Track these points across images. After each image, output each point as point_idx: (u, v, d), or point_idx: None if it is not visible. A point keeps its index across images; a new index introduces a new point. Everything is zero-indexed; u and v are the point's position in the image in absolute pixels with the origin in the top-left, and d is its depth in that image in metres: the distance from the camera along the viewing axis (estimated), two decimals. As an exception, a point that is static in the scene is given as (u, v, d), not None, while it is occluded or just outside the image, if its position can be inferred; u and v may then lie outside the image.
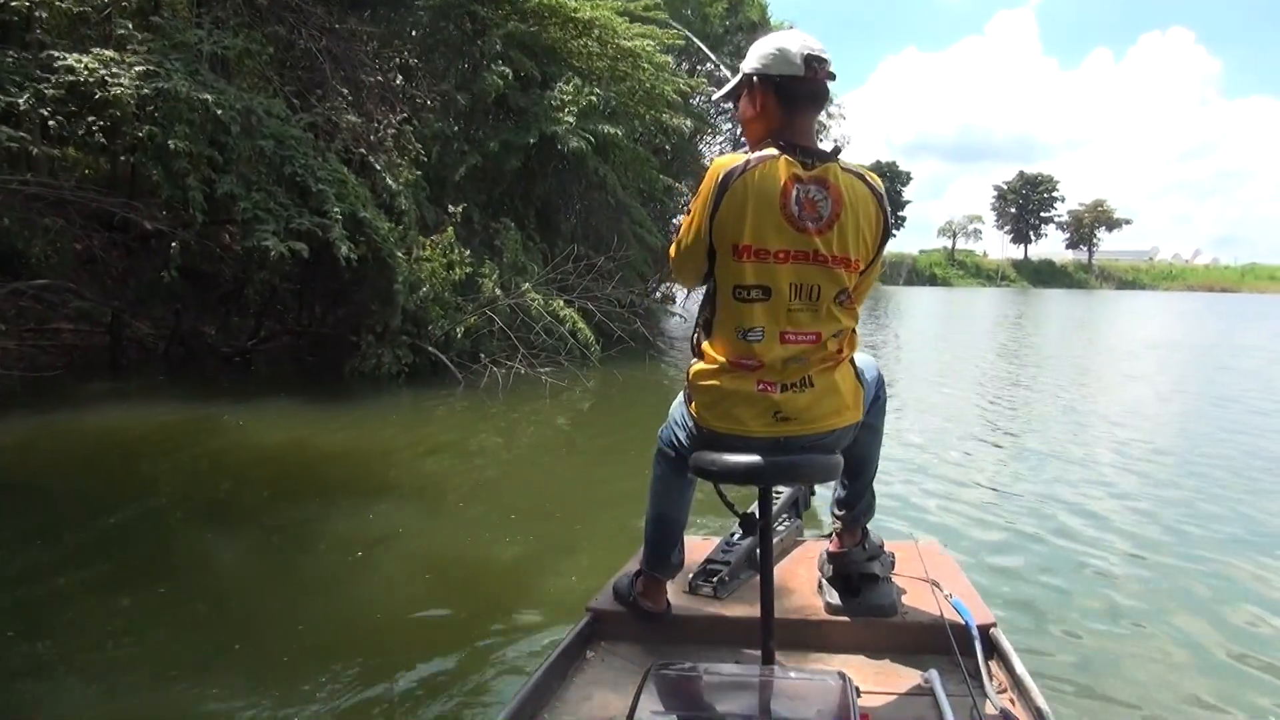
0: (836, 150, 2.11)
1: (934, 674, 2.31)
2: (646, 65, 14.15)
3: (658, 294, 20.56)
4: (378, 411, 9.31)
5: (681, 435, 2.37)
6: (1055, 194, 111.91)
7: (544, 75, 13.48)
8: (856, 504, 2.67)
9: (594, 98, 13.11)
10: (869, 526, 2.76)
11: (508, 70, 12.48)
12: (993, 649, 2.46)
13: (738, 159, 2.06)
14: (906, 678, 2.37)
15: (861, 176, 2.10)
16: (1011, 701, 2.24)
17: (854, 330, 2.21)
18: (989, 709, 2.17)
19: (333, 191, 9.74)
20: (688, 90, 15.92)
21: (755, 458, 2.09)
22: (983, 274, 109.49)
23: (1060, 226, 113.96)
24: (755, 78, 2.14)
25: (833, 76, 2.12)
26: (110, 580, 4.34)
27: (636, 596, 2.61)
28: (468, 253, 11.64)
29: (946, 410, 10.17)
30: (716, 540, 3.10)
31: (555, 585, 4.35)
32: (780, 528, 3.23)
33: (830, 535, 2.81)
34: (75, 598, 4.09)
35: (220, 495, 5.99)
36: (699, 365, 2.22)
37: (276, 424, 8.28)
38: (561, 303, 11.84)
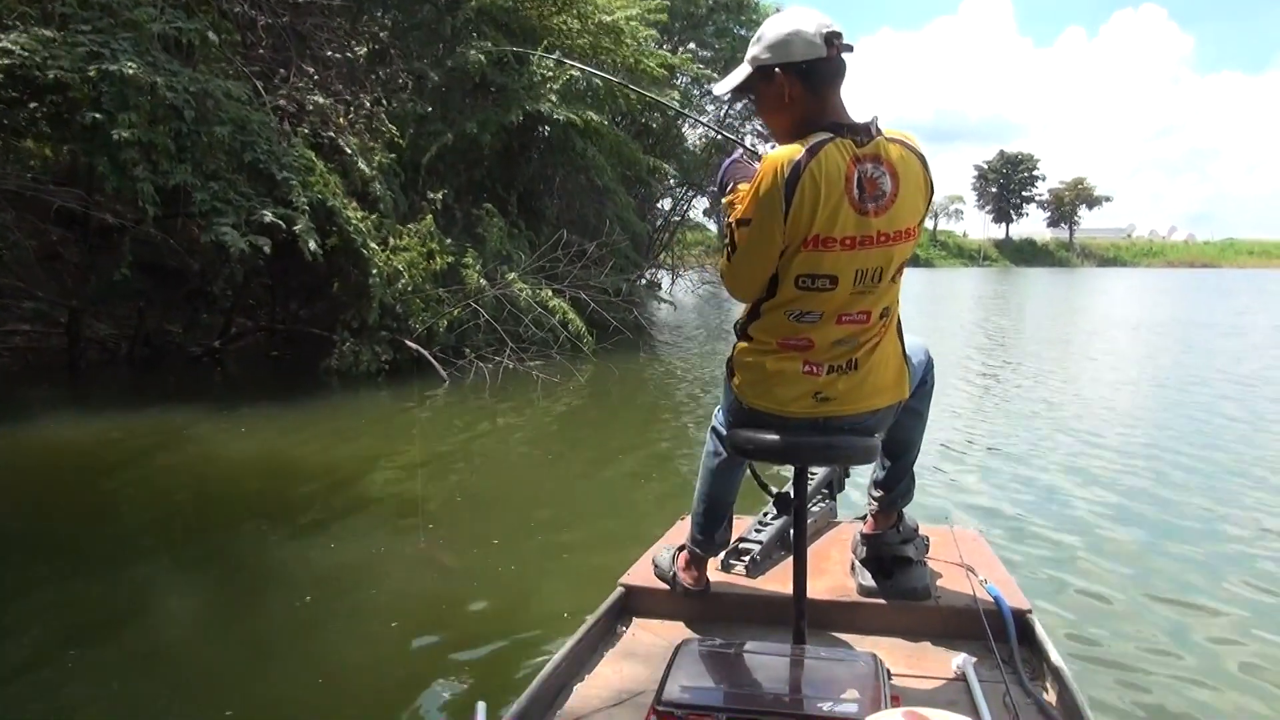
0: (874, 120, 2.02)
1: (967, 659, 2.26)
2: (629, 40, 13.45)
3: (644, 280, 19.79)
4: (355, 414, 8.68)
5: (725, 412, 2.35)
6: (1036, 173, 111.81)
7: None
8: (895, 487, 2.63)
9: (575, 72, 12.40)
10: (904, 510, 2.71)
11: (489, 45, 11.72)
12: (1028, 636, 2.41)
13: (794, 150, 1.93)
14: (939, 662, 2.34)
15: (904, 142, 2.02)
16: (1046, 689, 2.21)
17: (897, 303, 2.16)
18: (1023, 696, 2.13)
19: (298, 179, 9.08)
20: (673, 66, 15.23)
21: (792, 437, 2.09)
22: (965, 254, 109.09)
23: (1041, 205, 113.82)
24: (777, 68, 2.03)
25: (850, 48, 2.03)
26: (15, 630, 3.65)
27: (677, 572, 2.62)
28: (448, 241, 10.97)
29: (966, 393, 9.67)
30: (749, 519, 3.07)
31: (554, 603, 3.95)
32: (814, 508, 3.20)
33: (864, 517, 2.76)
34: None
35: (170, 522, 5.29)
36: (744, 344, 2.18)
37: (243, 434, 7.61)
38: (550, 292, 11.16)
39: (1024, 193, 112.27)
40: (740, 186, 2.08)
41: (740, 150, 2.24)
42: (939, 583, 2.65)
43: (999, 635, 2.35)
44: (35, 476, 6.35)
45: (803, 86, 2.01)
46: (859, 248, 1.97)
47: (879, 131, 1.99)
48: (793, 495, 2.26)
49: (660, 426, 8.32)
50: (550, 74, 12.26)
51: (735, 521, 2.86)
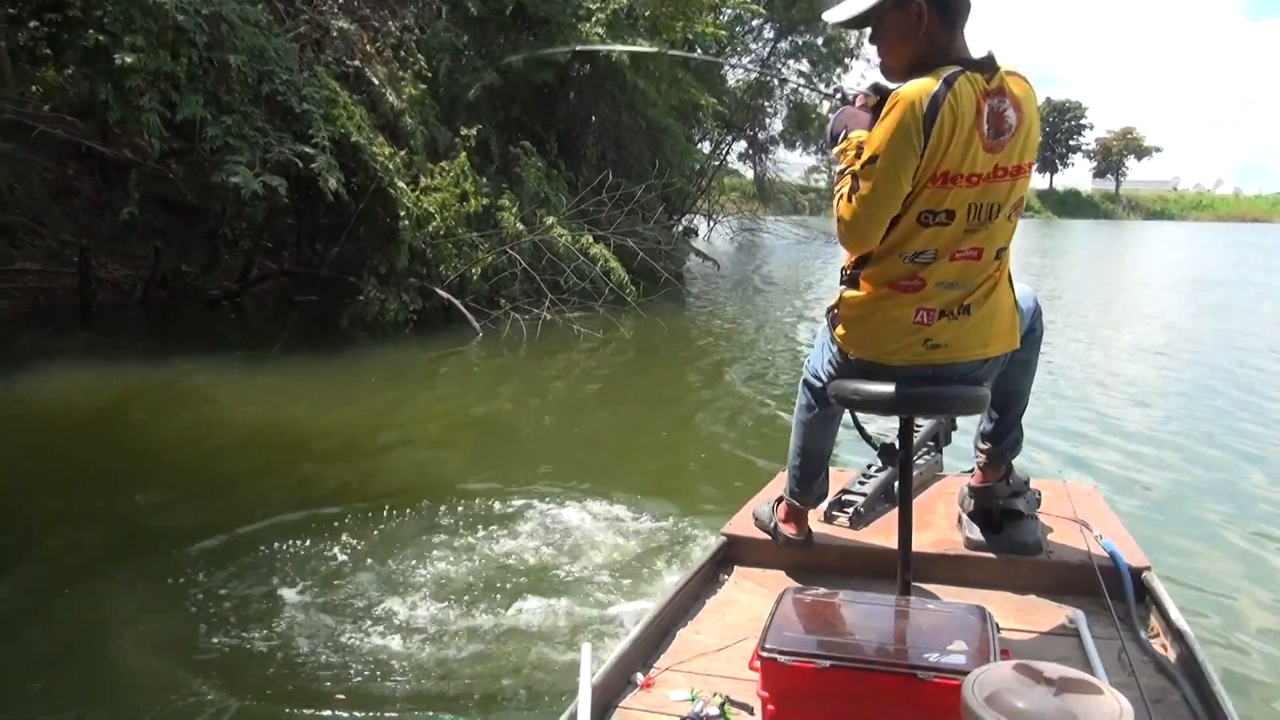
0: (991, 53, 1.98)
1: (1080, 614, 2.23)
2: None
3: (681, 227, 18.85)
4: (380, 369, 8.06)
5: (826, 364, 2.31)
6: (1084, 121, 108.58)
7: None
8: (1003, 439, 2.57)
9: (619, 5, 11.51)
10: (1014, 462, 2.65)
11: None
12: (1145, 594, 2.34)
13: (929, 85, 1.90)
14: (1050, 616, 2.30)
15: (1022, 76, 2.02)
16: (1164, 647, 2.14)
17: (1008, 247, 2.12)
18: (1140, 654, 2.08)
19: (320, 113, 8.38)
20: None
21: (899, 387, 2.05)
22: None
23: (1088, 155, 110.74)
24: None
25: None
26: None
27: (778, 523, 2.61)
28: (483, 182, 10.21)
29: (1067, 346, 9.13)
30: (852, 471, 3.06)
31: (638, 558, 3.71)
32: (920, 461, 3.07)
33: (972, 470, 2.70)
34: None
35: (162, 502, 4.57)
36: (852, 292, 2.14)
37: (258, 389, 7.01)
38: (591, 239, 10.40)
39: (1070, 142, 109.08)
40: (854, 134, 2.06)
41: (840, 97, 2.22)
42: (1051, 537, 2.58)
43: (1115, 592, 2.30)
44: (24, 431, 5.81)
45: (939, 18, 1.97)
46: (981, 183, 1.97)
47: (998, 65, 1.97)
48: (899, 446, 2.22)
49: (715, 381, 7.77)
50: (596, 5, 11.38)
51: (838, 474, 2.87)
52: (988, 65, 1.95)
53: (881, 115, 1.95)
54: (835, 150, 2.10)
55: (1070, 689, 1.30)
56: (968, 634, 1.72)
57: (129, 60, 7.20)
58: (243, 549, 3.78)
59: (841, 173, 2.04)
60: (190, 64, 7.74)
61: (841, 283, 2.19)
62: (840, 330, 2.18)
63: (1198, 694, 1.91)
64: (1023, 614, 2.32)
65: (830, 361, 2.28)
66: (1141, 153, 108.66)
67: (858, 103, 2.14)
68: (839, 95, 2.22)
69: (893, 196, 1.97)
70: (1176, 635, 2.11)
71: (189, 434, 5.81)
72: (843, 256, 2.19)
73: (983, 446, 2.61)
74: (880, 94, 2.10)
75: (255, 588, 3.44)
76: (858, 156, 2.00)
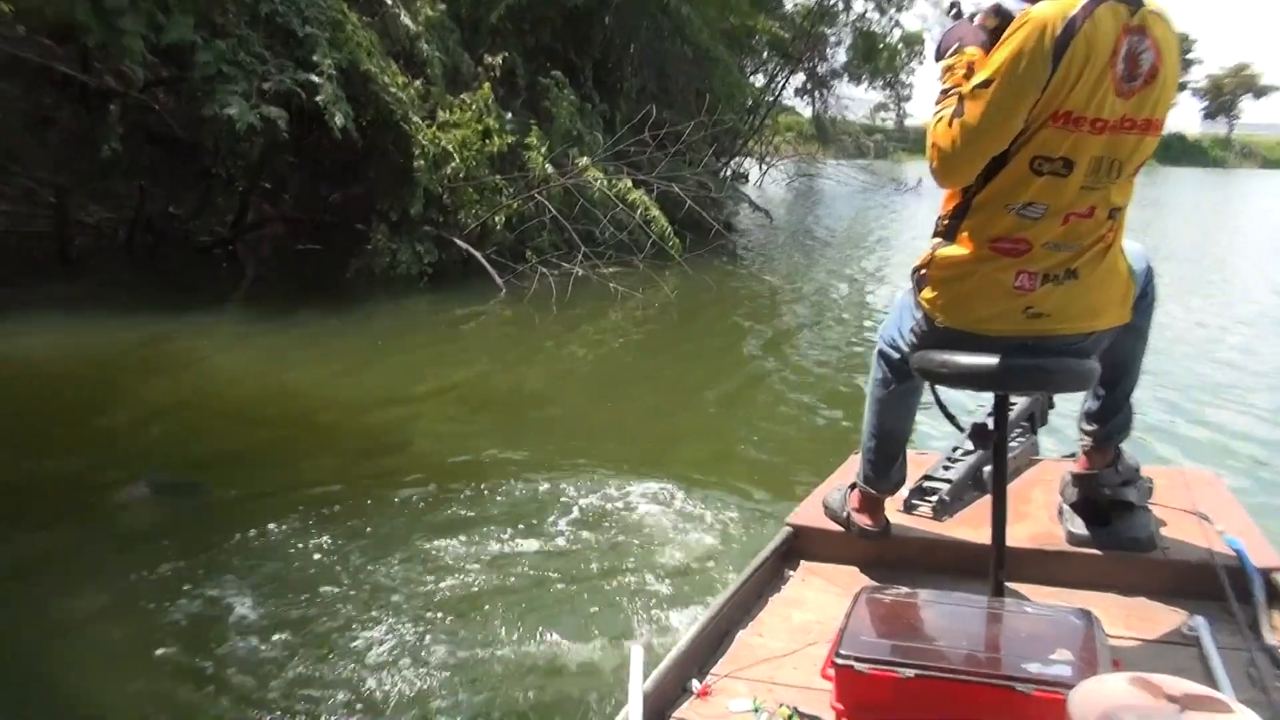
0: None
1: (1200, 621, 2.17)
2: None
3: (729, 173, 18.63)
4: (390, 329, 8.14)
5: (907, 332, 2.27)
6: (1191, 56, 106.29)
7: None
8: (1111, 419, 2.52)
9: None
10: (1123, 447, 2.59)
11: None
12: (1276, 597, 2.27)
13: (1067, 6, 1.86)
14: (1165, 622, 2.26)
15: (1164, 17, 1.96)
16: None
17: (1125, 207, 2.08)
18: (1270, 665, 2.00)
19: (326, 37, 8.39)
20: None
21: (995, 359, 2.01)
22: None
23: (1196, 94, 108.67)
24: None
25: None
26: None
27: (851, 513, 2.60)
28: (508, 117, 10.11)
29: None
30: (935, 454, 3.03)
31: (687, 549, 3.72)
32: (1013, 443, 3.01)
33: (1074, 455, 2.69)
34: None
35: (140, 475, 4.48)
36: (948, 249, 2.09)
37: (252, 347, 7.13)
38: (629, 184, 10.30)
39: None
40: (968, 49, 2.01)
41: (955, 12, 2.16)
42: (1165, 532, 2.53)
43: (1241, 595, 2.24)
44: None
45: None
46: (1107, 132, 1.92)
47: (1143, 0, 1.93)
48: (993, 427, 2.22)
49: (772, 348, 7.78)
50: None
51: (919, 457, 2.87)
52: None
53: (1006, 34, 1.90)
54: (942, 66, 2.07)
55: (1195, 706, 1.27)
56: (1072, 641, 1.71)
57: (110, -26, 7.19)
58: (229, 535, 3.74)
59: (945, 92, 2.01)
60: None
61: (935, 235, 2.14)
62: (928, 293, 2.15)
63: None
64: (1133, 619, 2.29)
65: (913, 329, 2.24)
66: (1259, 92, 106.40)
67: (976, 22, 2.08)
68: (954, 10, 2.15)
69: (1001, 129, 1.93)
70: None
71: (173, 399, 5.86)
72: (939, 204, 2.15)
73: (1088, 428, 2.57)
74: (1002, 17, 2.05)
75: (245, 580, 3.40)
76: (967, 77, 1.97)
